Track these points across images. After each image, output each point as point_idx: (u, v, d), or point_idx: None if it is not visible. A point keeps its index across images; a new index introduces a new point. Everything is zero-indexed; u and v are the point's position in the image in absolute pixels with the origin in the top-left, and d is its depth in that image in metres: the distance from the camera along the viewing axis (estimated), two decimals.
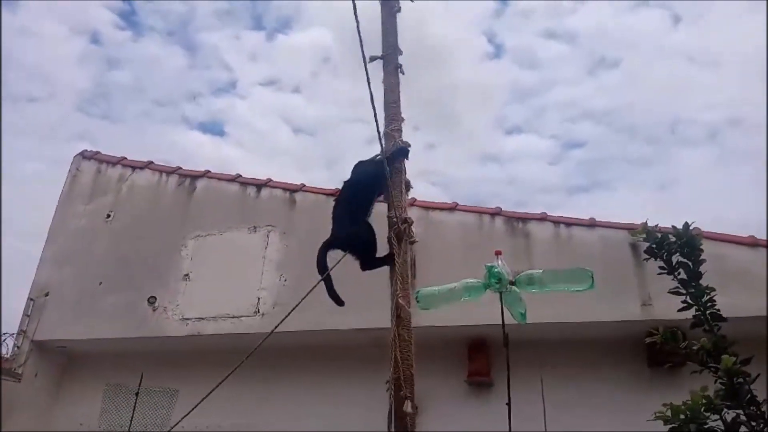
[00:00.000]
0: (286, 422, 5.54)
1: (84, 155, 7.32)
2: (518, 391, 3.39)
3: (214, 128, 25.04)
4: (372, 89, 2.38)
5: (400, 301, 2.36)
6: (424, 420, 2.36)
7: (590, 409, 4.81)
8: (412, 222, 2.67)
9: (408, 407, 2.12)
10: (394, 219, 2.62)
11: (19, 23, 17.00)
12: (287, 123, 24.63)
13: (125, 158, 7.16)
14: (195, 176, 6.68)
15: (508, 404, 2.81)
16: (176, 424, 3.64)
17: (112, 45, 19.93)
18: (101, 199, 6.87)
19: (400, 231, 2.58)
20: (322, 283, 3.25)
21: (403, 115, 3.10)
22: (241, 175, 6.54)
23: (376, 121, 2.37)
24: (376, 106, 2.42)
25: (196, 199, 6.54)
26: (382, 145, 2.62)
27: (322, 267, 2.94)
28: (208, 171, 6.71)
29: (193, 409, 3.34)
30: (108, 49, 20.21)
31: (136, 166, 7.01)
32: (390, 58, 3.18)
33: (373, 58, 3.14)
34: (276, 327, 3.32)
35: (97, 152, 7.34)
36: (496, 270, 3.10)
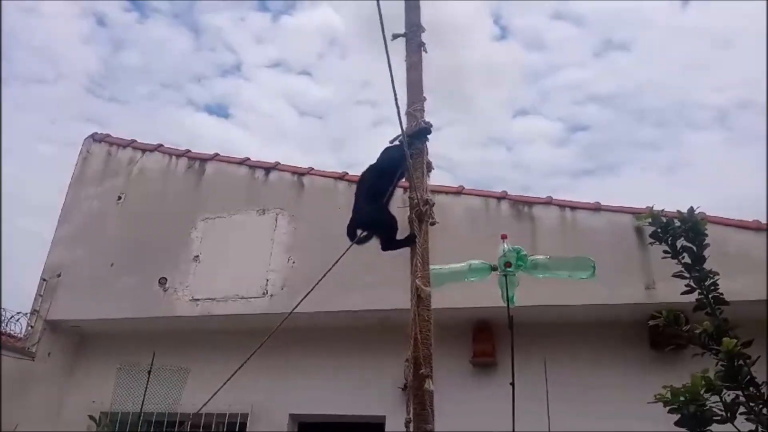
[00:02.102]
0: (295, 403, 5.66)
1: (94, 138, 7.38)
2: (522, 372, 3.48)
3: (219, 110, 25.04)
4: (386, 67, 2.31)
5: (419, 281, 2.40)
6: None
7: (593, 389, 4.90)
8: (434, 203, 2.69)
9: (429, 385, 2.19)
10: (416, 200, 2.64)
11: (25, 3, 16.99)
12: (293, 105, 24.62)
13: (135, 141, 7.21)
14: (204, 159, 6.73)
15: (512, 384, 2.88)
16: (204, 405, 3.70)
17: (118, 27, 19.90)
18: (112, 181, 6.95)
19: (422, 212, 2.61)
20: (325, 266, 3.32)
21: (425, 95, 3.03)
22: (249, 158, 6.60)
23: (396, 100, 2.32)
24: (394, 85, 2.34)
25: (205, 182, 6.61)
26: (402, 126, 2.60)
27: (352, 239, 2.99)
28: (217, 154, 6.76)
29: (218, 390, 3.40)
30: (114, 30, 20.17)
31: (146, 149, 7.07)
32: (413, 35, 3.11)
33: (395, 36, 3.06)
34: (294, 309, 3.38)
35: (107, 135, 7.40)
36: (523, 252, 3.16)
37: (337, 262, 3.15)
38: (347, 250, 3.04)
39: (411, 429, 2.14)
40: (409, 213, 2.77)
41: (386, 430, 5.16)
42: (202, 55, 22.35)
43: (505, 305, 3.28)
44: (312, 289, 3.29)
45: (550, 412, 3.75)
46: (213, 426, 5.71)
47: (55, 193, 7.10)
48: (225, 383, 3.28)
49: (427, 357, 2.28)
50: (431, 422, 2.15)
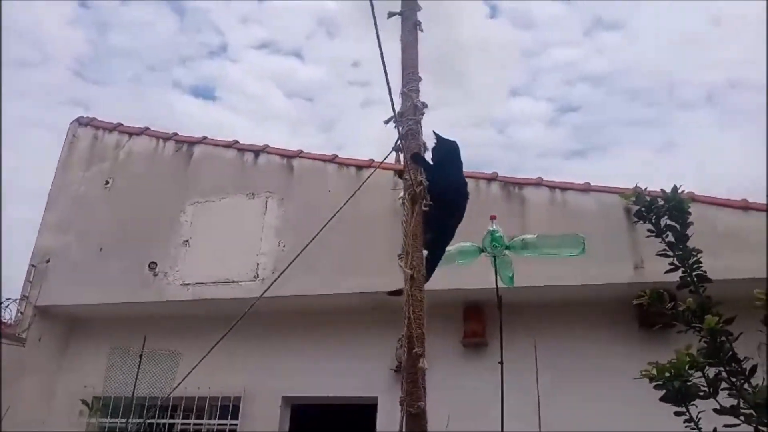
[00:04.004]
0: (288, 386, 5.70)
1: (80, 122, 7.29)
2: (512, 352, 3.51)
3: (206, 93, 24.83)
4: (377, 47, 2.26)
5: (413, 262, 2.41)
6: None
7: (581, 368, 4.96)
8: (427, 184, 2.68)
9: (423, 363, 2.21)
10: (409, 181, 2.63)
11: None
12: (280, 87, 24.44)
13: (121, 124, 7.14)
14: (192, 142, 6.68)
15: (501, 363, 2.91)
16: (176, 387, 3.77)
17: (102, 9, 19.59)
18: (99, 166, 6.89)
19: (415, 193, 2.60)
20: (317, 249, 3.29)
21: (420, 74, 2.96)
22: (238, 141, 6.55)
23: (387, 80, 2.29)
24: (384, 66, 2.30)
25: (193, 165, 6.56)
26: (393, 106, 2.58)
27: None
28: (206, 137, 6.70)
29: (191, 371, 3.44)
30: (97, 13, 19.87)
31: (132, 133, 6.99)
32: (409, 14, 3.04)
33: (391, 14, 2.99)
34: (263, 294, 3.40)
35: (93, 118, 7.31)
36: (498, 234, 3.17)
37: (306, 247, 3.16)
38: (315, 236, 3.05)
39: (404, 407, 2.16)
40: (402, 194, 2.76)
41: (378, 411, 5.22)
42: (188, 36, 22.10)
43: (495, 287, 3.30)
44: (280, 274, 3.34)
45: (539, 391, 3.79)
46: (206, 409, 5.75)
47: (44, 178, 7.03)
48: (193, 368, 3.32)
49: (420, 336, 2.30)
50: (423, 400, 2.18)
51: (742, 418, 2.15)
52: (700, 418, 2.27)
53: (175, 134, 6.83)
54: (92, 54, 20.53)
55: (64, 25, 19.55)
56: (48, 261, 6.42)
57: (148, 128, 7.00)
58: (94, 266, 6.25)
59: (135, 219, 6.40)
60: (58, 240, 6.55)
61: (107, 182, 6.74)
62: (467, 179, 5.43)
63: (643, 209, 2.49)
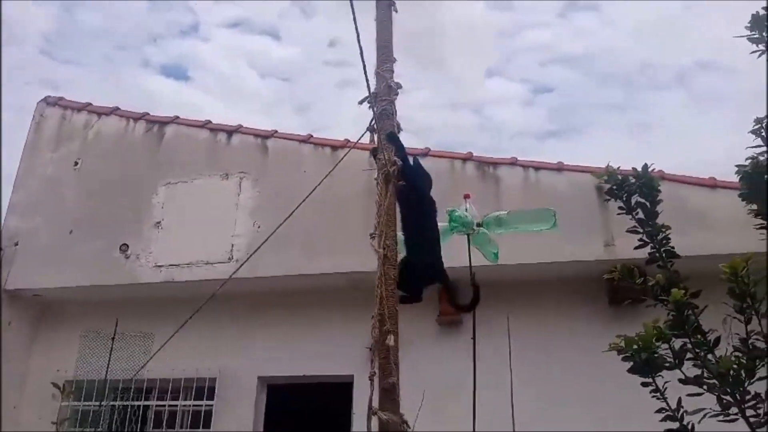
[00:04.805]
0: (264, 366, 5.71)
1: (47, 101, 7.09)
2: (486, 329, 3.57)
3: (177, 73, 24.34)
4: (353, 27, 2.26)
5: (386, 241, 2.43)
6: (400, 356, 2.50)
7: (553, 344, 5.09)
8: (401, 164, 2.69)
9: (390, 340, 2.24)
10: (383, 161, 2.64)
11: None
12: (254, 67, 24.06)
13: (90, 104, 6.96)
14: (163, 122, 6.55)
15: (473, 338, 2.96)
16: (145, 364, 3.76)
17: None
18: (68, 146, 6.72)
19: (389, 173, 2.62)
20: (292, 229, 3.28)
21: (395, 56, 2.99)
22: (210, 121, 6.45)
23: (363, 60, 2.30)
24: (360, 46, 2.30)
25: (165, 146, 6.45)
26: (368, 86, 2.58)
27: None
28: (177, 117, 6.58)
29: (159, 350, 3.44)
30: None
31: (101, 113, 6.83)
32: None
33: None
34: (232, 275, 3.41)
35: (61, 98, 7.11)
36: (456, 214, 3.20)
37: (279, 227, 3.16)
38: (289, 216, 3.04)
39: (373, 382, 2.19)
40: (376, 175, 2.77)
41: (354, 388, 5.26)
42: (158, 14, 21.57)
43: (469, 264, 3.33)
44: (252, 254, 3.35)
45: (512, 366, 3.88)
46: (181, 390, 5.73)
47: (11, 160, 6.86)
48: (162, 346, 3.34)
49: (392, 314, 2.33)
50: (395, 375, 2.21)
51: (705, 387, 2.23)
52: (666, 389, 2.35)
53: (146, 114, 6.69)
54: (60, 33, 19.94)
55: (28, 2, 18.91)
56: (16, 244, 6.28)
57: (117, 108, 6.84)
58: (64, 249, 6.14)
59: (106, 200, 6.29)
60: (27, 222, 6.41)
61: (76, 163, 6.59)
62: (442, 158, 5.48)
63: (614, 187, 2.54)
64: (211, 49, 22.98)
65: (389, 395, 2.20)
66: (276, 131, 6.20)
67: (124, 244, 5.97)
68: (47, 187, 6.60)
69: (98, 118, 6.80)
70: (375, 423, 2.16)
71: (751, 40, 2.55)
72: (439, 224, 3.41)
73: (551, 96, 22.04)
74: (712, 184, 4.91)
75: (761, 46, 2.52)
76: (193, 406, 5.69)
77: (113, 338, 4.91)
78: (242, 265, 3.50)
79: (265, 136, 6.17)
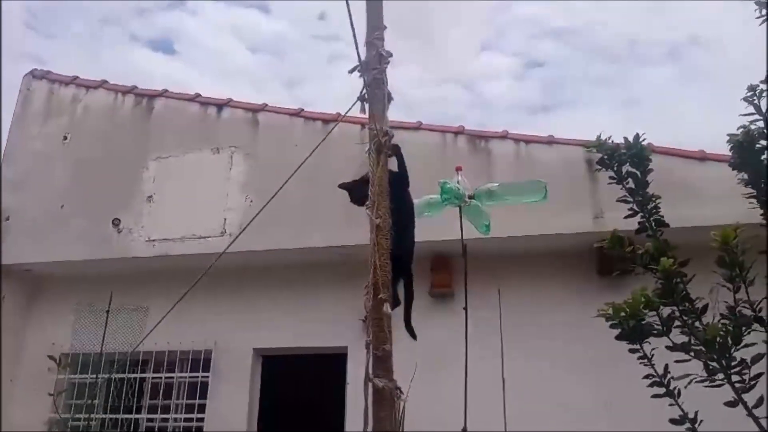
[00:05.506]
0: (259, 338, 5.77)
1: (34, 74, 6.99)
2: (477, 301, 3.62)
3: (164, 47, 23.93)
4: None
5: (380, 211, 2.44)
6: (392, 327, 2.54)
7: (543, 314, 5.17)
8: (393, 135, 2.68)
9: (387, 308, 2.26)
10: (375, 131, 2.63)
11: None
12: (243, 41, 23.69)
13: (77, 78, 6.87)
14: (152, 96, 6.49)
15: (465, 309, 3.00)
16: (143, 339, 3.81)
17: None
18: (56, 121, 6.65)
19: (380, 143, 2.61)
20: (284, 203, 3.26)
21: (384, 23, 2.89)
22: (200, 95, 6.39)
23: (352, 25, 2.27)
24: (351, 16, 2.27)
25: (154, 120, 6.39)
26: (358, 53, 2.55)
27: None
28: (166, 90, 6.51)
29: (158, 324, 3.48)
30: None
31: (89, 86, 6.74)
32: None
33: None
34: (226, 249, 3.43)
35: (48, 71, 7.01)
36: (448, 186, 3.22)
37: (270, 200, 3.17)
38: (279, 189, 3.06)
39: (370, 350, 2.23)
40: (368, 147, 2.76)
41: (348, 359, 5.35)
42: None
43: (460, 236, 3.37)
44: (244, 229, 3.37)
45: (503, 336, 3.95)
46: (177, 363, 5.80)
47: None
48: (160, 321, 3.38)
49: (386, 283, 2.35)
50: (389, 343, 2.25)
51: (692, 354, 2.29)
52: (653, 355, 2.41)
53: (134, 87, 6.61)
54: (45, 6, 19.49)
55: None
56: (8, 219, 6.25)
57: (105, 81, 6.76)
58: (55, 223, 6.12)
59: (96, 175, 6.25)
60: (17, 198, 6.36)
61: (65, 137, 6.53)
62: (433, 132, 5.47)
63: (605, 157, 2.57)
64: (199, 22, 22.59)
65: (383, 363, 2.23)
66: (266, 105, 6.16)
67: (117, 219, 5.96)
68: (36, 161, 6.55)
69: (86, 91, 6.72)
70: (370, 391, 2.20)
71: (758, 3, 2.53)
72: (431, 196, 3.45)
73: (542, 70, 21.94)
74: (701, 157, 4.96)
75: (765, 12, 2.51)
76: (189, 377, 5.76)
77: (108, 311, 4.93)
78: (235, 239, 3.51)
79: (255, 110, 6.13)
